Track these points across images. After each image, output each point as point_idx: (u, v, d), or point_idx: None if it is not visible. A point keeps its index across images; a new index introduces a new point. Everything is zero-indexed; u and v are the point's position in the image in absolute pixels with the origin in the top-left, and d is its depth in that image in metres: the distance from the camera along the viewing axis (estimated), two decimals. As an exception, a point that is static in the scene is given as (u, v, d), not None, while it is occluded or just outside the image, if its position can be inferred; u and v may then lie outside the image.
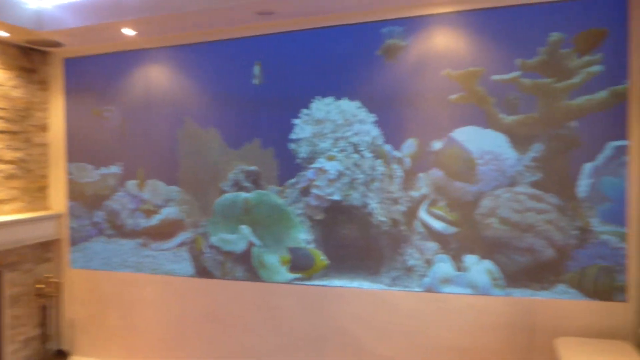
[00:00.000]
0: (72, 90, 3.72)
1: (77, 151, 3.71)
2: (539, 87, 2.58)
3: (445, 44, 2.76)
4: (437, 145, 2.78)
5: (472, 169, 2.68)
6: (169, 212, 3.43)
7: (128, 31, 3.28)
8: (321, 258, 2.99)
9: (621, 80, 2.44)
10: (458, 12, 2.73)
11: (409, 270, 2.84)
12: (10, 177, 3.46)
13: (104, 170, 3.61)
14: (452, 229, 2.77)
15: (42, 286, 3.59)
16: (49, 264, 3.72)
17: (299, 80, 3.08)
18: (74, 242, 3.69)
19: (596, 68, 2.48)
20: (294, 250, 3.05)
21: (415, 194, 2.84)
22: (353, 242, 2.97)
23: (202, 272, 3.31)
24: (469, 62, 2.71)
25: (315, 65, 3.04)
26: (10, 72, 3.51)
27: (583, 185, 2.52)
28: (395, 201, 2.87)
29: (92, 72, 3.65)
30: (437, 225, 2.79)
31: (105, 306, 3.64)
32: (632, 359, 2.17)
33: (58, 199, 3.76)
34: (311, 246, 3.04)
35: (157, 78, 3.49)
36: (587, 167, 2.51)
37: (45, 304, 3.63)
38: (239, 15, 3.01)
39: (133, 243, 3.54)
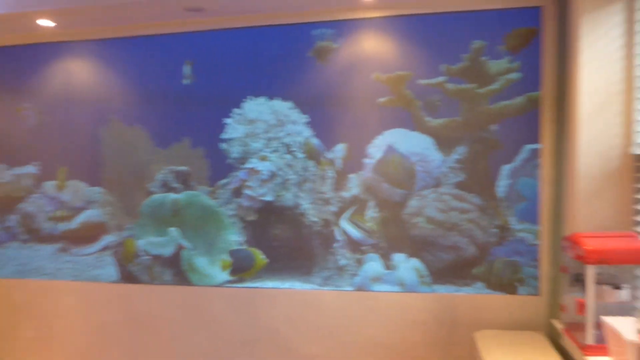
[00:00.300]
0: None
1: None
2: (462, 92, 2.71)
3: (374, 48, 2.83)
4: (377, 153, 2.83)
5: (412, 177, 2.77)
6: (91, 214, 3.26)
7: (45, 22, 3.07)
8: (261, 257, 2.97)
9: (536, 87, 2.63)
10: (387, 17, 2.80)
11: (341, 269, 2.89)
12: None
13: (17, 170, 3.36)
14: (370, 240, 2.86)
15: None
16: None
17: (230, 79, 3.03)
18: None
19: (514, 75, 2.65)
20: (234, 253, 3.01)
21: (346, 194, 2.89)
22: (285, 243, 2.97)
23: (128, 277, 3.17)
24: (397, 66, 2.79)
25: (247, 65, 3.01)
26: None
27: (502, 186, 2.69)
28: (327, 202, 2.91)
29: (6, 65, 3.38)
30: (356, 234, 2.87)
31: (18, 317, 3.37)
32: (544, 348, 2.34)
33: None
34: (244, 247, 3.01)
35: (78, 73, 3.28)
36: (506, 168, 2.68)
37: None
38: (166, 11, 2.91)
39: (51, 248, 3.31)
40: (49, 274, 3.30)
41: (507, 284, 2.70)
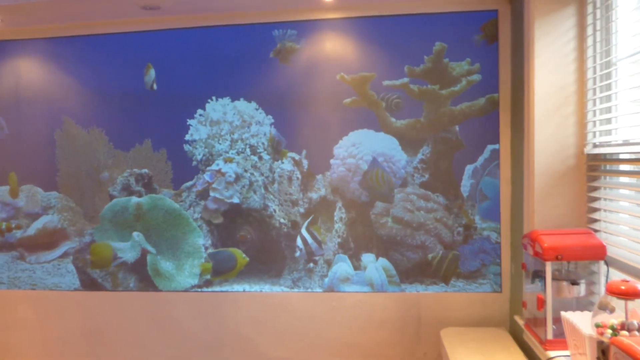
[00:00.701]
0: None
1: None
2: (426, 94, 2.76)
3: (338, 49, 2.85)
4: (363, 165, 2.84)
5: (392, 190, 2.81)
6: (48, 220, 3.16)
7: None
8: (242, 256, 2.95)
9: (496, 89, 2.72)
10: (350, 19, 2.83)
11: (310, 271, 2.91)
12: None
13: None
14: (321, 251, 2.91)
15: None
16: None
17: (192, 79, 2.99)
18: None
19: (475, 77, 2.72)
20: (213, 255, 2.98)
21: (314, 195, 2.91)
22: (253, 246, 2.97)
23: (90, 284, 3.09)
24: (361, 67, 2.82)
25: (210, 65, 2.97)
26: None
27: (466, 185, 2.76)
28: (294, 203, 2.92)
29: None
30: (313, 245, 2.90)
31: None
32: (507, 343, 2.44)
33: None
34: (210, 251, 2.99)
35: (28, 73, 3.16)
36: (469, 168, 2.76)
37: None
38: (121, 9, 2.85)
39: (6, 256, 3.20)
40: (5, 283, 3.19)
41: (446, 276, 2.79)
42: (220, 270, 2.99)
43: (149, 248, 3.04)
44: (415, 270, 2.80)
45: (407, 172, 2.80)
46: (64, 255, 3.14)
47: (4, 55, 3.19)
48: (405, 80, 2.77)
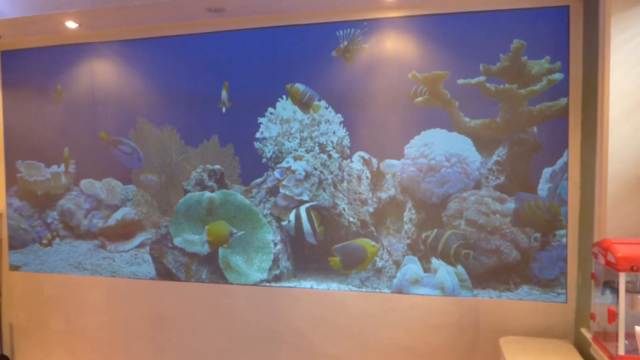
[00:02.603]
0: (10, 85, 3.91)
1: (23, 149, 3.91)
2: (503, 93, 2.90)
3: (408, 47, 3.05)
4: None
5: (557, 214, 2.86)
6: (126, 212, 3.67)
7: (70, 24, 3.46)
8: (372, 244, 3.18)
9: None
10: (419, 17, 3.02)
11: (379, 271, 3.16)
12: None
13: (54, 169, 3.82)
14: (312, 239, 3.19)
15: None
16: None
17: (263, 79, 3.33)
18: (24, 244, 3.91)
19: (557, 76, 2.82)
20: (340, 250, 3.24)
21: (383, 195, 3.16)
22: (321, 243, 3.26)
23: (166, 274, 3.57)
24: (433, 65, 3.01)
25: (278, 65, 3.30)
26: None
27: (543, 189, 2.88)
28: (364, 202, 3.19)
29: (34, 66, 3.84)
30: (307, 227, 3.16)
31: (48, 310, 3.89)
32: (572, 356, 2.53)
33: None
34: (279, 247, 3.33)
35: (103, 74, 3.68)
36: (547, 171, 2.87)
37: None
38: (188, 11, 3.23)
39: (89, 245, 3.77)
40: (89, 269, 3.76)
41: (451, 256, 2.99)
42: (350, 264, 3.24)
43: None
44: (488, 275, 2.97)
45: (482, 173, 2.97)
46: (141, 245, 3.65)
47: (81, 57, 3.74)
48: (481, 78, 2.93)
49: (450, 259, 3.02)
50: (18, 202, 3.92)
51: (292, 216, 3.23)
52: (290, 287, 3.32)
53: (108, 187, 3.72)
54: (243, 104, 3.39)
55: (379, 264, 3.15)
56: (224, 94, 3.42)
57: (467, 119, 2.98)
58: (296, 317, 3.33)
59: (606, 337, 2.13)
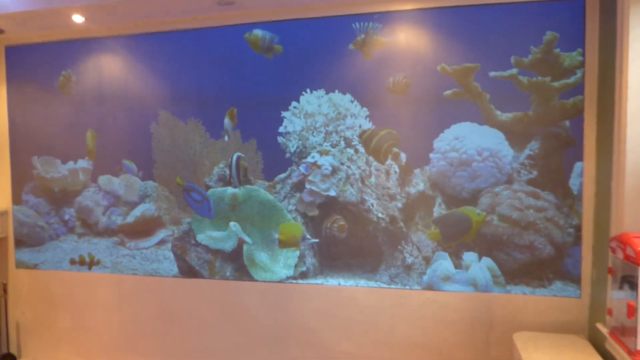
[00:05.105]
0: (15, 80, 4.26)
1: (39, 144, 4.23)
2: (535, 85, 3.13)
3: (438, 40, 3.29)
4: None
5: None
6: (146, 208, 3.97)
7: (77, 18, 3.73)
8: (477, 212, 3.31)
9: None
10: (450, 8, 3.26)
11: (409, 268, 3.43)
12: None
13: (71, 165, 4.13)
14: (237, 184, 3.60)
15: (-13, 288, 4.26)
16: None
17: (282, 72, 3.60)
18: (41, 241, 4.24)
19: (590, 68, 3.05)
20: (440, 220, 3.40)
21: (412, 190, 3.44)
22: (348, 239, 3.54)
23: (188, 271, 3.87)
24: (463, 57, 3.25)
25: (303, 58, 3.56)
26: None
27: (575, 184, 3.13)
28: (392, 197, 3.47)
29: (39, 61, 4.16)
30: (234, 173, 3.57)
31: (55, 308, 4.27)
32: (587, 351, 2.78)
33: (2, 196, 4.37)
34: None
35: (122, 69, 3.99)
36: (579, 165, 3.11)
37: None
38: (199, 5, 3.50)
39: (108, 242, 4.09)
40: (109, 267, 4.09)
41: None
42: (451, 235, 3.39)
43: (246, 238, 3.72)
44: (522, 271, 3.22)
45: (513, 168, 3.23)
46: (161, 242, 3.95)
47: (89, 52, 4.06)
48: (514, 71, 3.16)
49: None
50: (34, 198, 4.24)
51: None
52: (316, 284, 3.61)
53: (127, 184, 4.02)
54: (264, 99, 3.66)
55: (409, 260, 3.41)
56: (227, 121, 3.71)
57: (498, 112, 3.23)
58: (306, 313, 3.65)
59: (624, 332, 2.35)
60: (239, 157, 3.64)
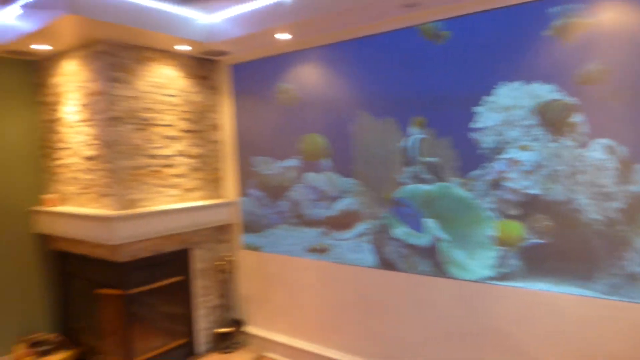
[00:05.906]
0: (239, 93, 4.93)
1: (254, 146, 4.82)
2: None
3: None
4: None
5: None
6: (349, 202, 4.15)
7: (283, 35, 4.11)
8: None
9: None
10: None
11: (633, 278, 2.94)
12: (194, 169, 4.84)
13: (283, 163, 4.59)
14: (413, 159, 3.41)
15: (222, 263, 5.06)
16: (225, 245, 5.12)
17: (477, 66, 3.36)
18: (261, 228, 4.83)
19: None
20: None
21: (634, 188, 2.90)
22: (554, 242, 3.18)
23: (386, 264, 3.97)
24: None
25: (496, 49, 3.28)
26: (191, 80, 4.82)
27: None
28: (608, 196, 2.98)
29: (255, 75, 4.75)
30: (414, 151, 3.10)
31: (272, 285, 4.86)
32: None
33: (230, 189, 5.13)
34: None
35: (325, 76, 4.23)
36: None
37: (224, 279, 5.09)
38: (384, 10, 3.54)
39: (316, 231, 4.40)
40: (315, 254, 4.44)
41: None
42: None
43: (442, 235, 3.64)
44: None
45: None
46: (360, 234, 4.10)
47: (295, 63, 4.44)
48: None
49: None
50: (258, 192, 4.85)
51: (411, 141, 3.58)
52: (516, 287, 3.36)
53: (329, 180, 4.27)
54: (453, 96, 3.49)
55: (632, 269, 2.92)
56: (414, 129, 3.70)
57: None
58: (501, 316, 3.46)
59: None
60: (423, 139, 3.59)
